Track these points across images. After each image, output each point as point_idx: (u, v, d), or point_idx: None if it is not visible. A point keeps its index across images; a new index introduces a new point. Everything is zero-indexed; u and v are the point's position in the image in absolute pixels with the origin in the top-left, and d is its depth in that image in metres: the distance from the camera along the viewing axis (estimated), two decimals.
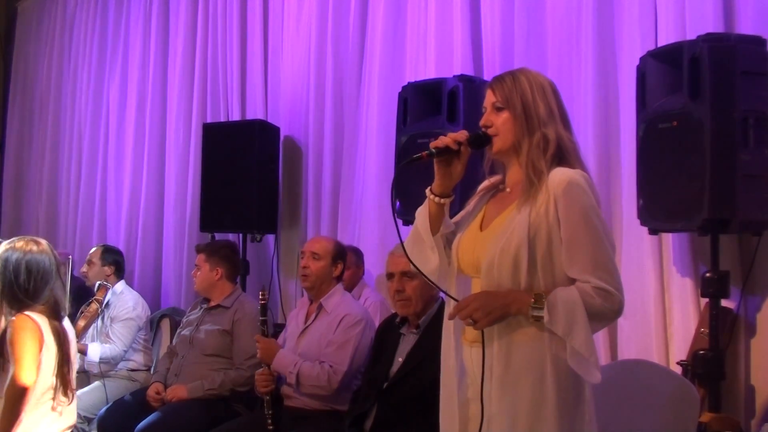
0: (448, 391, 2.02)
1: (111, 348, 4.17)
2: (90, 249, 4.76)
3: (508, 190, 2.01)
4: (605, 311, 1.82)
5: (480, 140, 1.96)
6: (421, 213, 2.02)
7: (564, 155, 1.91)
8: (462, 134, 1.95)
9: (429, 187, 1.99)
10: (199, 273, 3.88)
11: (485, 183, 2.10)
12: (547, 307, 1.79)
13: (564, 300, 1.80)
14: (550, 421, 1.82)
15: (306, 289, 3.42)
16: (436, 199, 1.98)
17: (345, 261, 3.44)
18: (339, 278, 3.40)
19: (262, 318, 3.31)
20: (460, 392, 2.00)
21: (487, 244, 1.91)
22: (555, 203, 1.84)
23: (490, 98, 1.98)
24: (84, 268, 4.56)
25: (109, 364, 4.16)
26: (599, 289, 1.80)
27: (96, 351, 4.13)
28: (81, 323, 4.23)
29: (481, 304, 1.84)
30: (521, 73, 1.98)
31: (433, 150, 1.92)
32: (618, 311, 1.85)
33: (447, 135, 1.94)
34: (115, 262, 4.55)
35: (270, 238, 4.78)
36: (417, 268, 2.03)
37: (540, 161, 1.89)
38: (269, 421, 3.19)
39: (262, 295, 3.32)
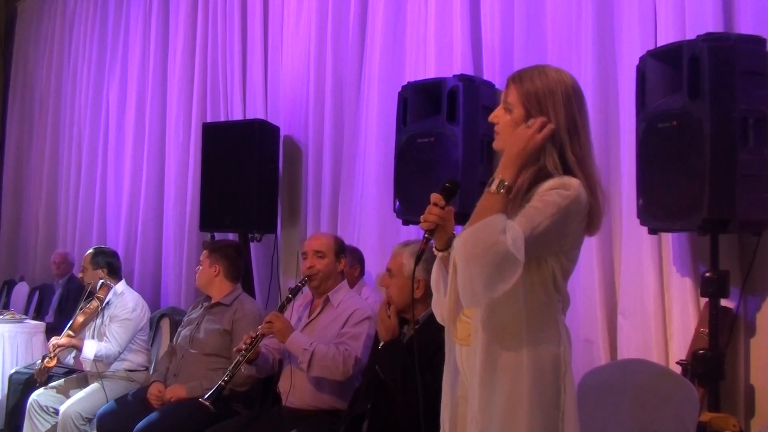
0: (445, 390, 2.03)
1: (106, 347, 4.16)
2: (89, 249, 4.75)
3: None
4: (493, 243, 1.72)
5: (452, 193, 2.01)
6: (435, 271, 2.08)
7: (567, 165, 1.87)
8: (437, 199, 1.98)
9: (434, 247, 2.03)
10: (200, 268, 3.97)
11: None
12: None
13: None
14: (523, 421, 1.81)
15: (313, 288, 3.40)
16: (444, 253, 2.03)
17: (346, 255, 3.48)
18: (343, 272, 3.42)
19: (289, 296, 3.36)
20: (455, 391, 2.02)
21: None
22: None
23: (504, 94, 1.95)
24: (80, 274, 4.62)
25: (102, 362, 4.16)
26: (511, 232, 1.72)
27: (92, 348, 4.13)
28: (80, 318, 4.23)
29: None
30: (538, 76, 1.90)
31: (428, 235, 1.99)
32: (501, 254, 1.70)
33: (426, 212, 1.96)
34: (108, 264, 4.50)
35: (270, 237, 4.78)
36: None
37: (527, 173, 1.85)
38: (225, 378, 3.22)
39: (303, 281, 3.34)
